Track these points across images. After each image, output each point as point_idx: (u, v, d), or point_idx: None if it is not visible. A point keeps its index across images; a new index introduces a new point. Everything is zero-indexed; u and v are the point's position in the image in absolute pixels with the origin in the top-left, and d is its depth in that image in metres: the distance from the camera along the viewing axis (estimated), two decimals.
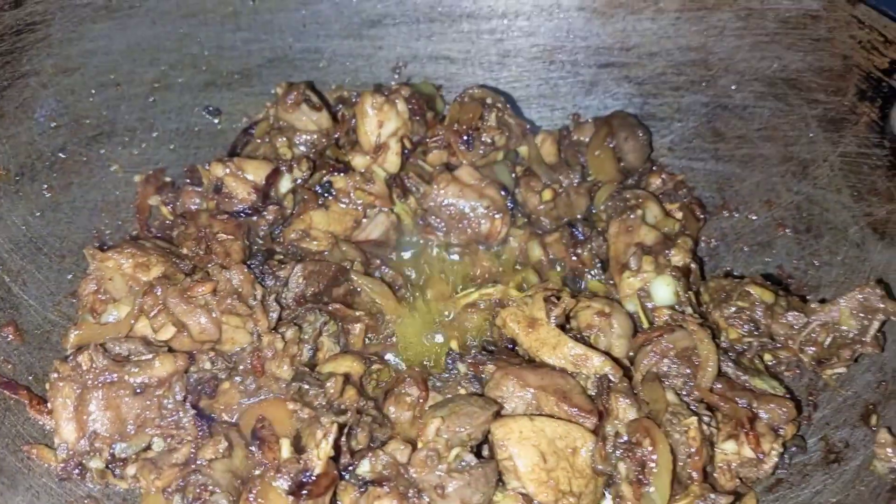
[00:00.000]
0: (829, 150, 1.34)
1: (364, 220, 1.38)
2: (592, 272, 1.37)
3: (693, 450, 1.01)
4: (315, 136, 1.43)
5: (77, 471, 0.99)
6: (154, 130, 1.44)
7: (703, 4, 1.47)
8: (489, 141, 1.45)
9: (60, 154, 1.33)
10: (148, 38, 1.43)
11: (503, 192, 1.41)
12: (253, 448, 0.99)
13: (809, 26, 1.37)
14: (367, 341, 1.23)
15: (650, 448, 1.00)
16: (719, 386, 1.12)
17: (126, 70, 1.41)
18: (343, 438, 1.02)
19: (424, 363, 1.26)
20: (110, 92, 1.40)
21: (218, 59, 1.50)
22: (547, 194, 1.45)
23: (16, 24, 1.30)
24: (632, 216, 1.37)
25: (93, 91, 1.38)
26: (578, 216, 1.45)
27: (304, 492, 0.92)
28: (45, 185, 1.31)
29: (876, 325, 1.12)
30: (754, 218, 1.41)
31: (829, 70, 1.36)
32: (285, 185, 1.33)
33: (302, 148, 1.41)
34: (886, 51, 1.27)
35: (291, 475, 0.94)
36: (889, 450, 1.04)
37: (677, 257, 1.31)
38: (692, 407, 1.09)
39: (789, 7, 1.39)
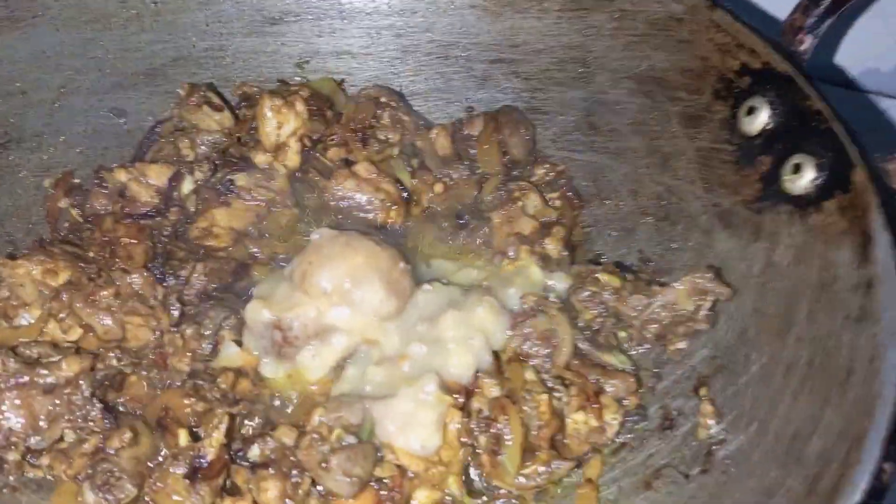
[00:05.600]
0: (687, 145, 1.48)
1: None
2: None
3: (543, 422, 1.18)
4: (217, 136, 1.52)
5: None
6: (61, 134, 1.51)
7: (582, 5, 1.58)
8: (384, 138, 1.56)
9: None
10: (52, 44, 1.49)
11: (398, 186, 1.54)
12: (157, 436, 1.12)
13: (674, 28, 1.48)
14: None
15: (505, 423, 1.16)
16: (576, 362, 1.28)
17: (32, 77, 1.48)
18: (237, 424, 1.15)
19: None
20: (16, 100, 1.47)
21: (123, 61, 1.57)
22: (438, 187, 1.57)
23: None
24: (513, 207, 1.51)
25: None
26: (467, 206, 1.57)
27: (199, 476, 1.06)
28: None
29: (707, 304, 1.29)
30: (622, 205, 1.55)
31: (690, 70, 1.47)
32: (187, 186, 1.43)
33: (204, 148, 1.50)
34: (739, 54, 1.39)
35: (187, 461, 1.07)
36: (710, 419, 1.22)
37: (551, 246, 1.46)
38: (549, 383, 1.25)
39: (657, 10, 1.50)
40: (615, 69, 1.57)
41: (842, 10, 1.36)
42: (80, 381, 1.13)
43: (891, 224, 1.11)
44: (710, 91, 1.44)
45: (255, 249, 1.45)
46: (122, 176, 1.37)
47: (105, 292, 1.20)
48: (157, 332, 1.24)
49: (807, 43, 1.36)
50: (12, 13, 1.45)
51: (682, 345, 1.32)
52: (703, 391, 1.27)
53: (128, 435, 1.12)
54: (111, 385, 1.20)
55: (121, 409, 1.21)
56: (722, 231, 1.40)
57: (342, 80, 1.70)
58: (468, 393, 1.21)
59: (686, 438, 1.24)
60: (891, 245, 1.09)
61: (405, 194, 1.54)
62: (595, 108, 1.61)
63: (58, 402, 1.12)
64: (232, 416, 1.14)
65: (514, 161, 1.63)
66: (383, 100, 1.59)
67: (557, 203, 1.57)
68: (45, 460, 1.12)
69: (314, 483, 1.13)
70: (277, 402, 1.24)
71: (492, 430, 1.16)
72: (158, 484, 1.08)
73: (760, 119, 1.35)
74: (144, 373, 1.22)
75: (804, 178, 1.25)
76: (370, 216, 1.50)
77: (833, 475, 0.96)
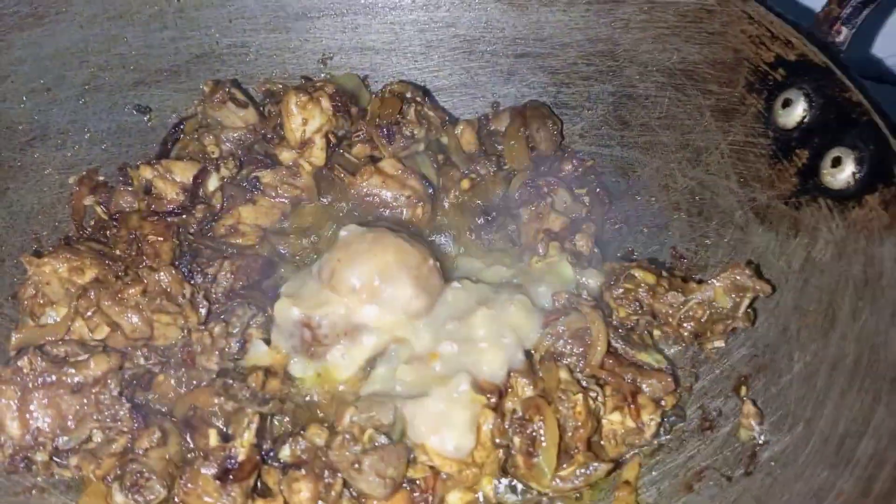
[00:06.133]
0: (720, 139, 1.45)
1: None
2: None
3: (578, 423, 1.15)
4: (242, 133, 1.51)
5: (24, 464, 1.10)
6: (86, 132, 1.50)
7: None
8: (409, 134, 1.54)
9: None
10: (76, 41, 1.48)
11: (425, 182, 1.51)
12: (186, 436, 1.10)
13: (705, 20, 1.45)
14: None
15: (540, 423, 1.13)
16: (610, 361, 1.25)
17: (56, 74, 1.46)
18: (268, 424, 1.13)
19: None
20: (41, 97, 1.46)
21: (146, 58, 1.55)
22: (465, 183, 1.54)
23: None
24: (542, 203, 1.48)
25: (24, 97, 1.44)
26: (494, 202, 1.55)
27: (230, 477, 1.04)
28: None
29: (746, 301, 1.25)
30: (654, 201, 1.52)
31: (721, 62, 1.44)
32: (213, 183, 1.41)
33: (229, 145, 1.49)
34: (772, 45, 1.36)
35: (218, 462, 1.05)
36: (752, 420, 1.18)
37: (581, 242, 1.43)
38: (583, 382, 1.22)
39: (688, 1, 1.47)
40: (645, 62, 1.54)
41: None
42: (108, 381, 1.12)
43: None
44: (743, 84, 1.41)
45: (282, 246, 1.42)
46: (147, 173, 1.36)
47: (132, 290, 1.18)
48: (185, 331, 1.22)
49: (843, 34, 1.33)
50: (36, 9, 1.44)
51: (719, 343, 1.28)
52: (743, 391, 1.24)
53: (157, 435, 1.10)
54: (139, 384, 1.18)
55: (149, 408, 1.18)
56: (758, 226, 1.37)
57: (366, 77, 1.68)
58: (501, 393, 1.18)
59: (727, 440, 1.20)
60: None
61: (431, 191, 1.51)
62: (624, 102, 1.58)
63: (86, 401, 1.10)
64: (262, 416, 1.12)
65: (541, 156, 1.60)
66: (408, 95, 1.57)
67: (586, 199, 1.54)
68: (73, 461, 1.10)
69: (346, 484, 1.11)
70: (307, 401, 1.21)
71: (526, 431, 1.13)
72: (189, 485, 1.06)
73: (797, 112, 1.32)
74: (173, 371, 1.20)
75: (844, 171, 1.22)
76: (396, 213, 1.48)
77: (889, 476, 0.93)
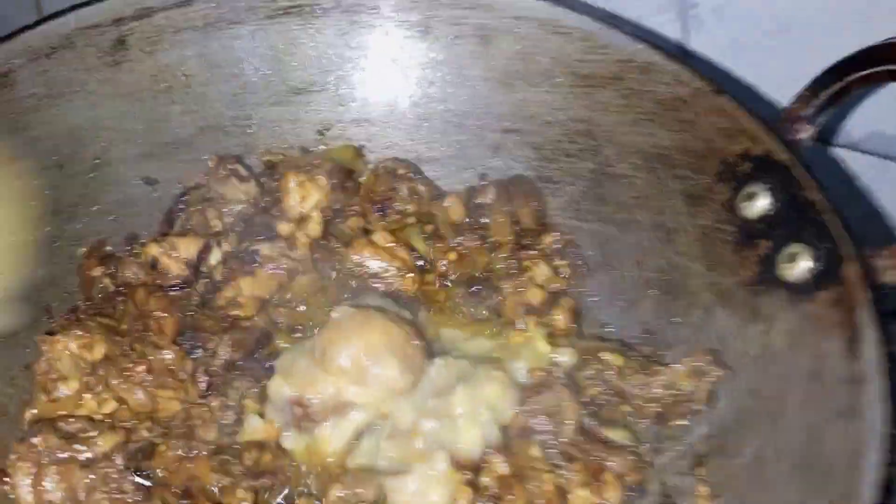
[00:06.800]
0: (689, 222, 1.53)
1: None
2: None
3: (546, 501, 1.25)
4: (243, 206, 1.60)
5: None
6: (95, 204, 1.59)
7: (591, 82, 1.65)
8: (400, 209, 1.64)
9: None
10: (88, 118, 1.58)
11: (414, 254, 1.61)
12: None
13: (679, 109, 1.54)
14: None
15: (511, 500, 1.23)
16: (580, 438, 1.35)
17: (68, 151, 1.56)
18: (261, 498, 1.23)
19: None
20: (53, 173, 1.54)
21: (153, 132, 1.65)
22: (452, 255, 1.64)
23: None
24: (523, 276, 1.58)
25: (37, 174, 1.53)
26: (478, 274, 1.65)
27: None
28: None
29: (706, 386, 1.35)
30: (628, 276, 1.62)
31: (693, 150, 1.53)
32: (215, 257, 1.51)
33: (230, 218, 1.58)
34: (740, 139, 1.43)
35: None
36: (705, 502, 1.28)
37: (559, 316, 1.53)
38: (552, 459, 1.31)
39: (664, 91, 1.56)
40: (622, 144, 1.62)
41: (840, 101, 1.42)
42: (115, 456, 1.21)
43: (879, 322, 1.16)
44: (712, 172, 1.49)
45: (278, 317, 1.52)
46: (153, 250, 1.45)
47: (138, 368, 1.28)
48: (186, 404, 1.32)
49: (806, 132, 1.42)
50: (51, 90, 1.53)
51: (681, 422, 1.38)
52: (699, 470, 1.33)
53: None
54: (143, 455, 1.28)
55: (151, 478, 1.28)
56: (722, 309, 1.45)
57: (362, 147, 1.77)
58: (477, 468, 1.28)
59: None
60: (878, 343, 1.14)
61: (421, 262, 1.61)
62: (602, 179, 1.66)
63: (94, 476, 1.20)
64: (255, 491, 1.22)
65: (524, 229, 1.69)
66: (400, 172, 1.67)
67: (567, 271, 1.63)
68: None
69: None
70: (297, 472, 1.31)
71: None
72: None
73: (759, 205, 1.40)
74: (173, 443, 1.29)
75: (800, 266, 1.31)
76: (387, 283, 1.57)
77: None
